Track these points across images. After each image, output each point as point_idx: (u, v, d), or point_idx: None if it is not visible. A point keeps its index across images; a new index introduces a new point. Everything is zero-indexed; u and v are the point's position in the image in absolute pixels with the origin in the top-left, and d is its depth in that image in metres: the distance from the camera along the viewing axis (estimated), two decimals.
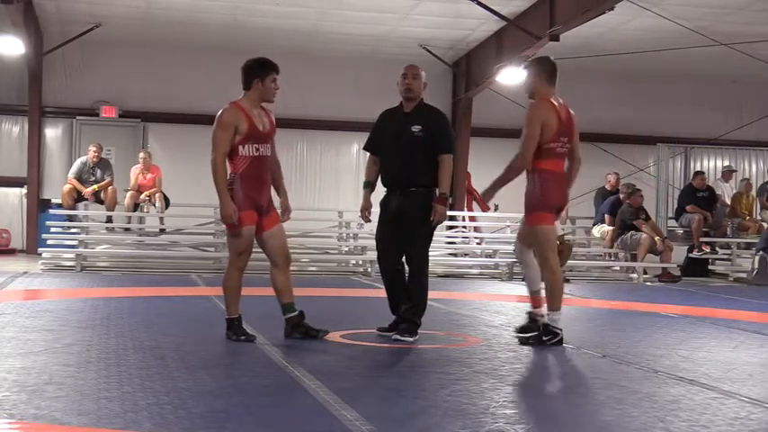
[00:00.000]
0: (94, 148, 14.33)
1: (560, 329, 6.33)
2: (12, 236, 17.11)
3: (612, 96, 19.17)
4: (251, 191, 6.13)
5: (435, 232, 6.74)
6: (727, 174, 17.10)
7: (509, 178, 6.44)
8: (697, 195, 15.82)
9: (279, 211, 6.44)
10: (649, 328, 7.85)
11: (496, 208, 18.12)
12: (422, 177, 6.53)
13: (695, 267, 15.55)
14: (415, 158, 6.49)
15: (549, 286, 6.36)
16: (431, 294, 6.65)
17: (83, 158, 14.52)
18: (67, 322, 6.97)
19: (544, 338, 6.31)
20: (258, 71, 6.20)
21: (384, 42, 17.04)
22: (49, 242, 14.08)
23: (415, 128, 6.51)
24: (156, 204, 14.45)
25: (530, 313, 6.63)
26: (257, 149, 6.14)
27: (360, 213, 6.89)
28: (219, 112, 6.17)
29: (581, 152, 6.58)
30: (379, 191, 6.75)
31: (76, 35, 16.60)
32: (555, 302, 6.32)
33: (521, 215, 6.63)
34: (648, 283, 14.06)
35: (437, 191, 6.52)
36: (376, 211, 6.80)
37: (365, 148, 6.93)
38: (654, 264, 14.65)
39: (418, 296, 6.49)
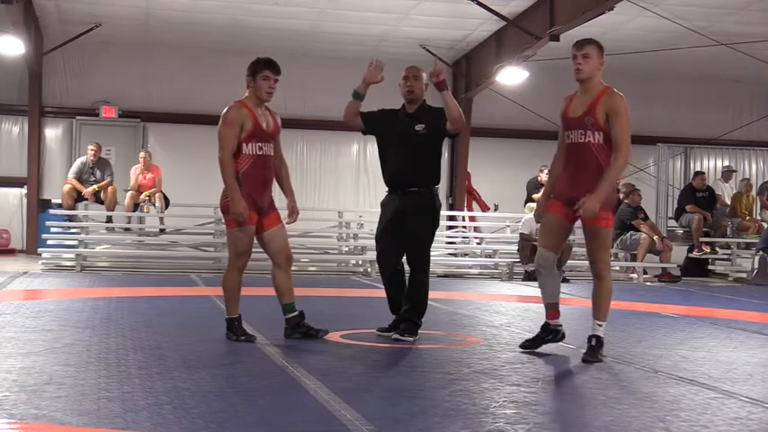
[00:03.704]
0: (93, 148, 14.33)
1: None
2: (12, 236, 17.11)
3: None
4: (252, 191, 6.12)
5: (435, 232, 6.73)
6: (727, 174, 17.11)
7: (616, 179, 5.78)
8: (697, 195, 15.83)
9: (285, 212, 6.41)
10: (649, 328, 7.85)
11: (496, 208, 18.17)
12: (423, 178, 6.54)
13: (695, 267, 15.55)
14: (418, 159, 6.49)
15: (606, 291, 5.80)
16: (431, 294, 6.64)
17: (82, 158, 14.52)
18: (67, 322, 6.97)
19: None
20: (251, 68, 6.22)
21: (384, 42, 17.03)
22: (49, 242, 14.08)
23: (419, 126, 6.52)
24: (156, 204, 14.45)
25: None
26: (260, 148, 6.13)
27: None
28: (225, 109, 6.17)
29: None
30: (380, 191, 6.73)
31: (76, 35, 16.59)
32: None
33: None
34: (648, 283, 14.06)
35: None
36: (376, 211, 6.79)
37: (360, 112, 6.69)
38: (654, 264, 14.65)
39: (418, 296, 6.49)
